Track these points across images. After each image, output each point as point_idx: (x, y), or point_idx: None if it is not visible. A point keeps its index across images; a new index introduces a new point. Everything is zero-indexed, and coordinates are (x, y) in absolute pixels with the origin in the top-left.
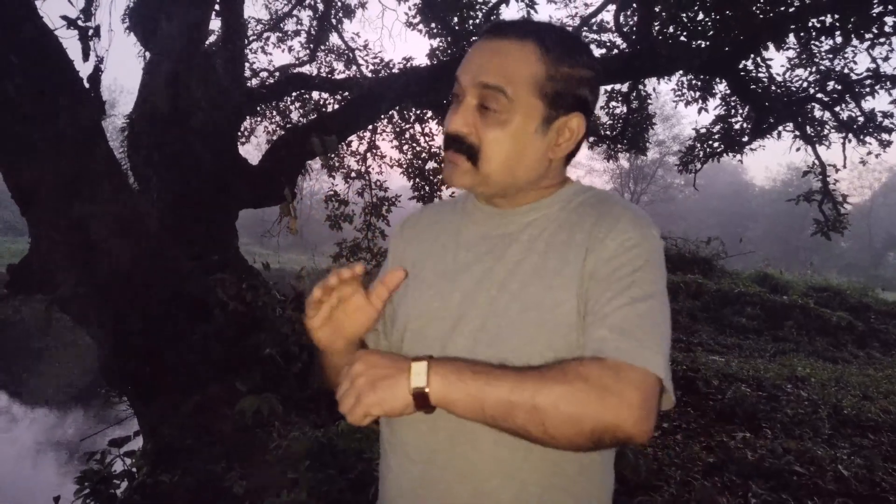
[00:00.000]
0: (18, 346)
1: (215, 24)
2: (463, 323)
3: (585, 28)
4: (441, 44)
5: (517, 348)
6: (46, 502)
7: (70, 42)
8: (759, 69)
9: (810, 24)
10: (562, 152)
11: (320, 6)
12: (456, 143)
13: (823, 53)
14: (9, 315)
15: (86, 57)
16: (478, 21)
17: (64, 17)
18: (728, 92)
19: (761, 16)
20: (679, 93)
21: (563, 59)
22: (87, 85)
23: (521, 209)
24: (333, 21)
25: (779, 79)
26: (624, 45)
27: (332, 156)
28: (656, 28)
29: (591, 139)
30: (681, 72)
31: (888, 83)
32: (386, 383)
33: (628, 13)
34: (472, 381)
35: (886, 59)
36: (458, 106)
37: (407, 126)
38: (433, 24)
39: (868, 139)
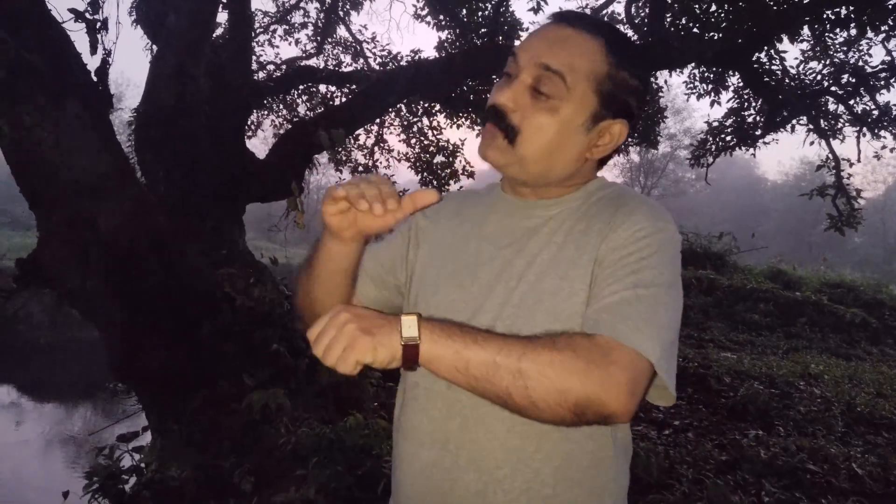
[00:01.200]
0: (27, 341)
1: (222, 16)
2: (480, 314)
3: None
4: (449, 36)
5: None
6: (56, 497)
7: (78, 35)
8: (773, 62)
9: (825, 16)
10: (599, 154)
11: None
12: (497, 118)
13: (838, 46)
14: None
15: (93, 50)
16: (486, 13)
17: (72, 10)
18: (741, 85)
19: (775, 7)
20: (691, 85)
21: (624, 63)
22: (94, 78)
23: (545, 202)
24: (341, 13)
25: (792, 71)
26: (635, 37)
27: (340, 150)
28: (668, 20)
29: None
30: (693, 64)
31: None
32: (378, 331)
33: (640, 4)
34: (460, 338)
35: None
36: (511, 81)
37: (415, 119)
38: (441, 16)
39: (883, 133)
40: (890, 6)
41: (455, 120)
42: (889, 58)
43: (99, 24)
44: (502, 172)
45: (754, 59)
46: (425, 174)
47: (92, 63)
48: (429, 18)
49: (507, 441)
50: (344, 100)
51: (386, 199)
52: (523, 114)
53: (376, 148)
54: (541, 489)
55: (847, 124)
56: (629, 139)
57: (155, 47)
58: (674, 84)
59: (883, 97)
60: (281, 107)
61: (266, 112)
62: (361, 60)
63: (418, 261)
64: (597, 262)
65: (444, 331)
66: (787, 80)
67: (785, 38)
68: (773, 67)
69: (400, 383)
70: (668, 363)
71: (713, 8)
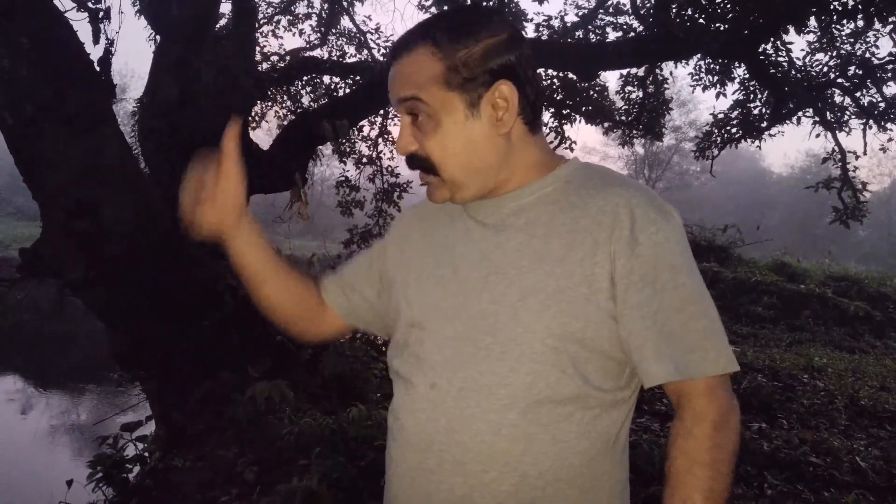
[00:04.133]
0: (31, 330)
1: (225, 7)
2: (463, 311)
3: (601, 10)
4: None
5: (516, 336)
6: (60, 485)
7: (80, 25)
8: (779, 53)
9: (831, 7)
10: (508, 122)
11: None
12: (414, 163)
13: (845, 37)
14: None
15: (96, 40)
16: (490, 2)
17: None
18: (747, 76)
19: None
20: (696, 77)
21: (456, 43)
22: (97, 68)
23: (511, 194)
24: (344, 3)
25: (799, 63)
26: (641, 28)
27: (344, 141)
28: (674, 10)
29: (607, 124)
30: (698, 55)
31: None
32: None
33: None
34: None
35: None
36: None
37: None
38: (445, 7)
39: (889, 125)
40: None
41: None
42: None
43: (101, 14)
44: (457, 203)
45: (760, 50)
46: None
47: (95, 53)
48: (433, 9)
49: (493, 444)
50: (348, 91)
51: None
52: (421, 146)
53: (380, 139)
54: (529, 492)
55: (853, 116)
56: (635, 131)
57: (158, 38)
58: (679, 76)
59: (890, 89)
60: (285, 98)
61: (269, 103)
62: (365, 51)
63: (395, 269)
64: (617, 280)
65: None
66: (793, 72)
67: (791, 30)
68: (780, 59)
69: (394, 381)
70: (729, 347)
71: None
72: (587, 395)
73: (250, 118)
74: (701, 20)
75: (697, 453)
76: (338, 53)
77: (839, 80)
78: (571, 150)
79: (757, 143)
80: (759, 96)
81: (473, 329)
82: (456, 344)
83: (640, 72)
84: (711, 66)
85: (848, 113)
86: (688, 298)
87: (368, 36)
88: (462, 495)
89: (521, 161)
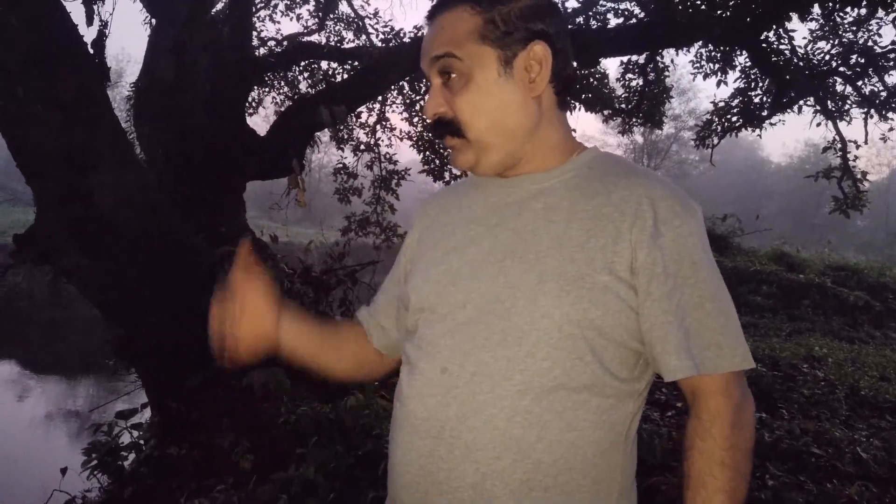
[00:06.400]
0: (27, 317)
1: None
2: (476, 296)
3: None
4: None
5: (533, 321)
6: (54, 473)
7: (74, 7)
8: (781, 41)
9: None
10: (541, 85)
11: None
12: (440, 127)
13: (847, 25)
14: (18, 284)
15: (89, 21)
16: None
17: None
18: (748, 64)
19: None
20: (697, 65)
21: (497, 2)
22: (91, 51)
23: (531, 176)
24: None
25: (801, 51)
26: (642, 14)
27: (341, 128)
28: None
29: (606, 112)
30: (700, 42)
31: None
32: None
33: None
34: None
35: None
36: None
37: (417, 97)
38: None
39: (891, 115)
40: None
41: None
42: None
43: None
44: (480, 174)
45: (762, 37)
46: (427, 153)
47: (88, 35)
48: None
49: (507, 430)
50: (346, 77)
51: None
52: (451, 105)
53: (378, 126)
54: (542, 480)
55: (854, 106)
56: (635, 119)
57: (154, 21)
58: (680, 63)
59: (892, 78)
60: (282, 83)
61: (267, 89)
62: (364, 37)
63: (412, 263)
64: (638, 271)
65: None
66: (795, 60)
67: (794, 17)
68: (782, 47)
69: (402, 366)
70: (745, 343)
71: None
72: (603, 383)
73: (247, 104)
74: (703, 6)
75: (716, 453)
76: (336, 39)
77: (841, 69)
78: None
79: (757, 131)
80: (761, 84)
81: (488, 313)
82: (468, 328)
83: (641, 59)
84: (713, 53)
85: (849, 102)
86: (707, 294)
87: (367, 21)
88: (474, 482)
89: (546, 137)
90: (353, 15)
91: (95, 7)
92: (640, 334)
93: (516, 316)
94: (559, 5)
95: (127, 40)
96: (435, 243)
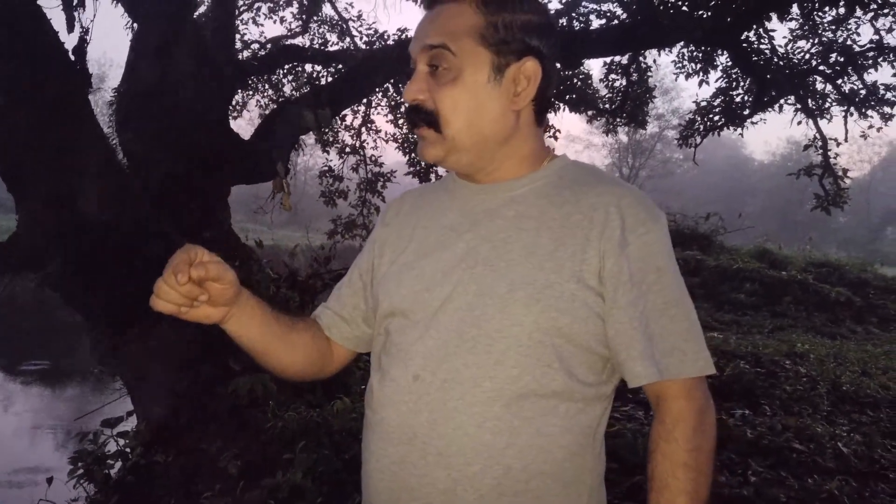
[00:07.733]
0: (10, 326)
1: None
2: (448, 302)
3: None
4: None
5: (503, 329)
6: (41, 481)
7: (54, 13)
8: (762, 41)
9: None
10: (524, 100)
11: None
12: (416, 114)
13: (826, 25)
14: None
15: (70, 27)
16: None
17: None
18: (729, 64)
19: None
20: (680, 65)
21: (503, 6)
22: (72, 57)
23: (503, 184)
24: None
25: (781, 51)
26: (624, 15)
27: (326, 130)
28: None
29: (590, 112)
30: (682, 43)
31: (891, 55)
32: None
33: None
34: None
35: (890, 30)
36: (412, 76)
37: (402, 100)
38: None
39: (870, 112)
40: None
41: None
42: (877, 37)
43: (76, 1)
44: (446, 167)
45: (743, 38)
46: (413, 155)
47: (70, 42)
48: None
49: (477, 437)
50: (330, 79)
51: (175, 273)
52: (433, 96)
53: (363, 128)
54: (512, 485)
55: (834, 104)
56: (619, 119)
57: (136, 25)
58: (662, 63)
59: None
60: (266, 86)
61: (251, 92)
62: (348, 39)
63: (380, 262)
64: (605, 279)
65: None
66: (775, 60)
67: (774, 17)
68: (762, 46)
69: (372, 372)
70: (706, 349)
71: None
72: (572, 388)
73: (231, 107)
74: (685, 7)
75: (679, 455)
76: (319, 41)
77: (821, 68)
78: (556, 138)
79: (739, 130)
80: (742, 84)
81: (459, 321)
82: (440, 335)
83: (624, 60)
84: (694, 53)
85: (829, 100)
86: (671, 300)
87: (351, 23)
88: (445, 488)
89: (519, 148)
90: (336, 17)
91: (76, 13)
92: (606, 340)
93: (486, 323)
94: (555, 26)
95: (109, 45)
96: (406, 247)
